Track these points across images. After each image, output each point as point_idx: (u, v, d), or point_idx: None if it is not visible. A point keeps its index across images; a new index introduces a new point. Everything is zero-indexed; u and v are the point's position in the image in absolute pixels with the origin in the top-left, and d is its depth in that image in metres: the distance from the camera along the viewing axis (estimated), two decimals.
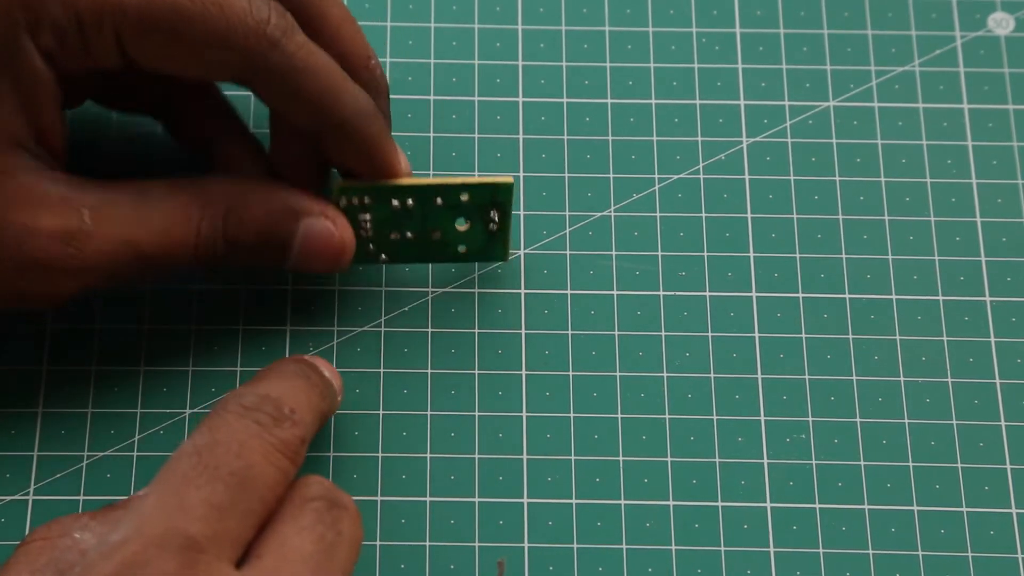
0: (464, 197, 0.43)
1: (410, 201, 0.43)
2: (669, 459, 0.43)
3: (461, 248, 0.44)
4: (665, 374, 0.44)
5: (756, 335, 0.45)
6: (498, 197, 0.43)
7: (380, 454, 0.43)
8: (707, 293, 0.45)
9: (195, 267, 0.41)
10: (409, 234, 0.43)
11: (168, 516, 0.34)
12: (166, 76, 0.40)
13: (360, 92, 0.41)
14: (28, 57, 0.38)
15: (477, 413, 0.44)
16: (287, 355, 0.44)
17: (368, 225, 0.43)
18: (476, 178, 0.43)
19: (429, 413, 0.44)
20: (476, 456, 0.43)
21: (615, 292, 0.45)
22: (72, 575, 0.34)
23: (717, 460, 0.43)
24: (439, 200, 0.43)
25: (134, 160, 0.46)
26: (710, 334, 0.45)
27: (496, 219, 0.43)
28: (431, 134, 0.47)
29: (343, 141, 0.41)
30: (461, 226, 0.43)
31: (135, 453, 0.43)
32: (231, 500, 0.35)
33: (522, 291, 0.45)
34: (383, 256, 0.44)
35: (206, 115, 0.44)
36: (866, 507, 0.43)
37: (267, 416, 0.37)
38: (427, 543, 0.42)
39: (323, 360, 0.41)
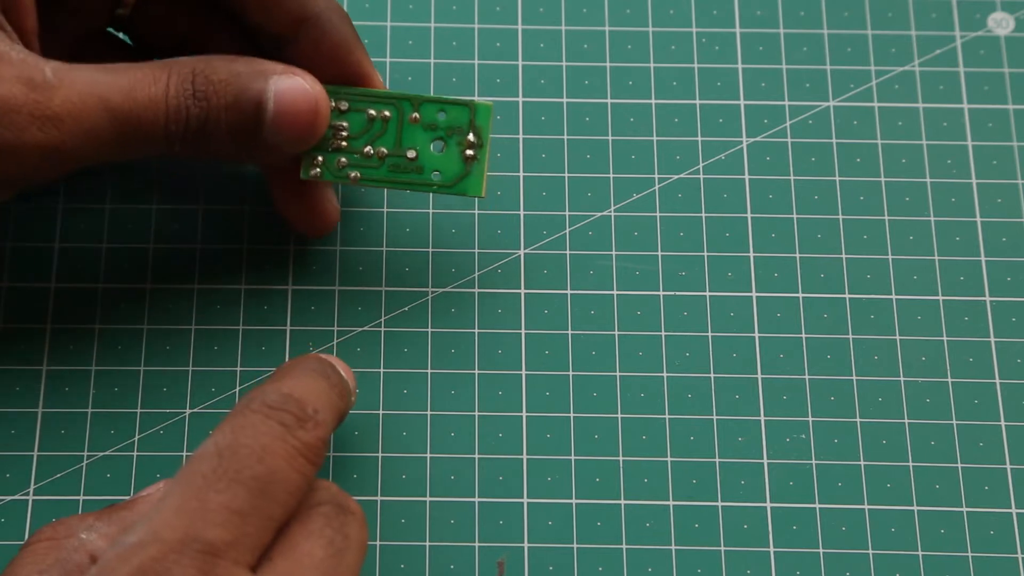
0: (441, 116, 0.43)
1: (387, 112, 0.42)
2: (669, 459, 0.43)
3: (435, 175, 0.43)
4: (665, 374, 0.44)
5: (756, 335, 0.45)
6: (476, 120, 0.43)
7: (380, 454, 0.43)
8: (707, 293, 0.45)
9: (170, 146, 0.39)
10: (384, 149, 0.43)
11: (188, 520, 0.34)
12: None
13: None
14: None
15: (477, 413, 0.44)
16: (287, 355, 0.44)
17: (344, 134, 0.42)
18: (454, 97, 0.43)
19: (429, 413, 0.44)
20: (476, 456, 0.43)
21: (615, 292, 0.45)
22: None
23: (717, 460, 0.43)
24: (416, 115, 0.43)
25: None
26: (710, 334, 0.45)
27: (473, 142, 0.43)
28: None
29: (316, 41, 0.41)
30: (437, 152, 0.43)
31: (135, 453, 0.43)
32: (251, 505, 0.34)
33: (522, 291, 0.45)
34: (354, 175, 0.43)
35: (177, 14, 0.43)
36: (866, 507, 0.43)
37: (291, 417, 0.36)
38: (427, 543, 0.42)
39: (339, 359, 0.41)
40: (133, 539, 0.34)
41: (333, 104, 0.42)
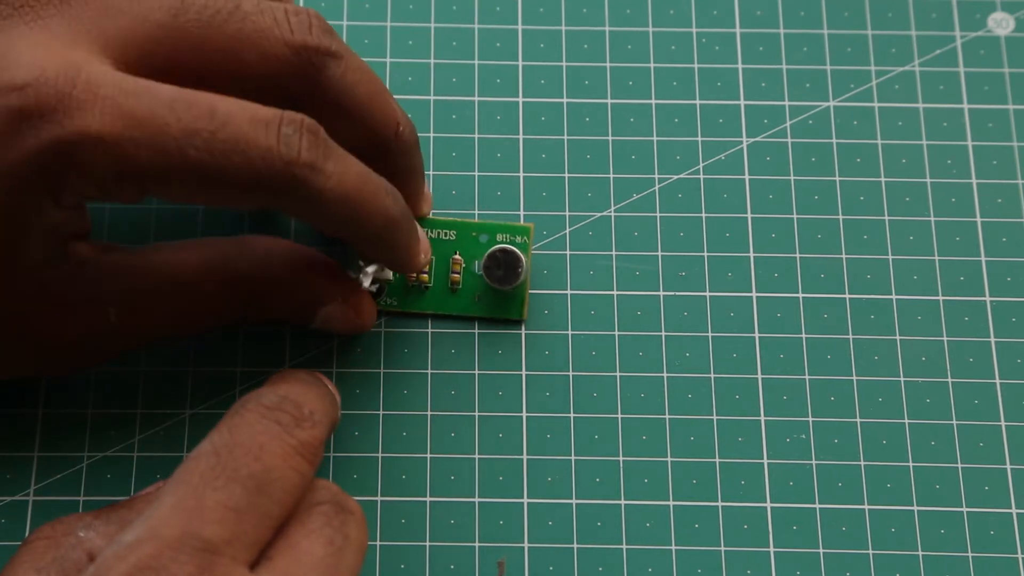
0: (483, 238, 0.44)
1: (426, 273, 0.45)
2: (669, 459, 0.43)
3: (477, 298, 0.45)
4: (665, 374, 0.44)
5: (756, 335, 0.45)
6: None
7: (380, 454, 0.43)
8: (707, 293, 0.45)
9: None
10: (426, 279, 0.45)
11: (185, 518, 0.34)
12: None
13: (392, 200, 0.40)
14: (47, 213, 0.37)
15: (477, 413, 0.44)
16: (287, 356, 0.44)
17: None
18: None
19: (429, 413, 0.44)
20: (476, 456, 0.43)
21: (615, 292, 0.45)
22: (86, 575, 0.34)
23: (717, 460, 0.43)
24: (456, 257, 0.44)
25: None
26: (710, 334, 0.45)
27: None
28: (431, 134, 0.47)
29: (371, 249, 0.41)
30: (478, 270, 0.44)
31: (135, 453, 0.43)
32: (248, 503, 0.34)
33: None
34: (392, 302, 0.45)
35: None
36: (866, 507, 0.43)
37: (288, 416, 0.36)
38: (427, 543, 0.42)
39: (323, 376, 0.41)
40: (130, 537, 0.34)
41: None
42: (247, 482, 0.35)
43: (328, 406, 0.39)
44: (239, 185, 0.37)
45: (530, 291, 0.45)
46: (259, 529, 0.34)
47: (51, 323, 0.39)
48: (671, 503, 0.43)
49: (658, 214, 0.46)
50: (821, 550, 0.42)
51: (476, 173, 0.47)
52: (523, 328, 0.45)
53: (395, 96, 0.45)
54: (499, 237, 0.45)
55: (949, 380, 0.44)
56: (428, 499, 0.43)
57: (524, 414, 0.44)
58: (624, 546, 0.42)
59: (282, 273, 0.42)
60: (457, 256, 0.45)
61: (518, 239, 0.45)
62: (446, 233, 0.45)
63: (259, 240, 0.42)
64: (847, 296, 0.45)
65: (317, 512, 0.36)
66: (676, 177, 0.47)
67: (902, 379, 0.44)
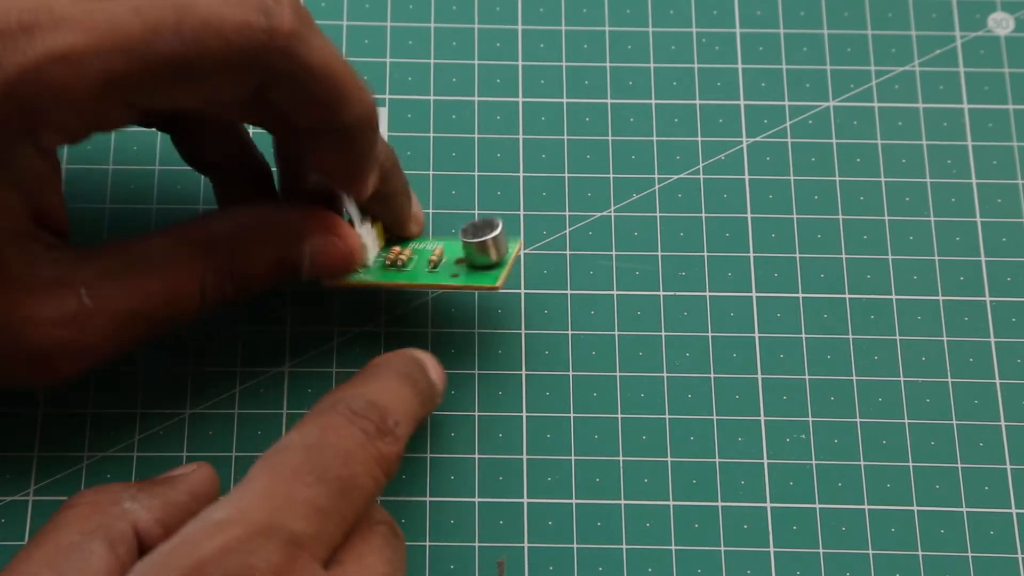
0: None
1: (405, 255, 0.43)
2: (669, 459, 0.43)
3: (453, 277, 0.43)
4: (665, 374, 0.44)
5: (756, 335, 0.45)
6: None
7: None
8: (707, 293, 0.45)
9: (204, 315, 0.40)
10: (404, 257, 0.44)
11: (274, 507, 0.34)
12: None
13: (368, 99, 0.40)
14: (26, 159, 0.37)
15: (477, 413, 0.44)
16: (286, 356, 0.44)
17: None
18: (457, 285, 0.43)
19: (430, 413, 0.44)
20: (476, 456, 0.43)
21: (615, 292, 0.45)
22: (168, 547, 0.34)
23: (717, 460, 0.43)
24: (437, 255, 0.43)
25: (137, 175, 0.46)
26: (710, 334, 0.45)
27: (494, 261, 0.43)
28: (431, 134, 0.47)
29: (342, 149, 0.40)
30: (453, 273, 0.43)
31: (135, 453, 0.43)
32: (333, 505, 0.35)
33: (522, 291, 0.45)
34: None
35: (213, 135, 0.43)
36: (866, 507, 0.43)
37: (373, 426, 0.37)
38: (427, 543, 0.42)
39: (432, 358, 0.41)
40: (220, 516, 0.34)
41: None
42: (333, 484, 0.35)
43: (416, 408, 0.39)
44: (221, 69, 0.36)
45: (526, 291, 0.45)
46: (337, 532, 0.35)
47: (21, 308, 0.38)
48: (671, 503, 0.43)
49: (658, 214, 0.46)
50: (821, 550, 0.42)
51: (476, 173, 0.47)
52: (523, 328, 0.45)
53: (395, 96, 0.46)
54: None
55: (949, 380, 0.44)
56: (428, 499, 0.43)
57: (524, 414, 0.44)
58: (624, 546, 0.42)
59: (259, 219, 0.41)
60: (440, 247, 0.44)
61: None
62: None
63: (232, 206, 0.42)
64: (847, 296, 0.45)
65: (378, 532, 0.37)
66: (676, 177, 0.47)
67: (902, 379, 0.44)
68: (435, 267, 0.43)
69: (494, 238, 0.42)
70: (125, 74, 0.36)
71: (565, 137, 0.47)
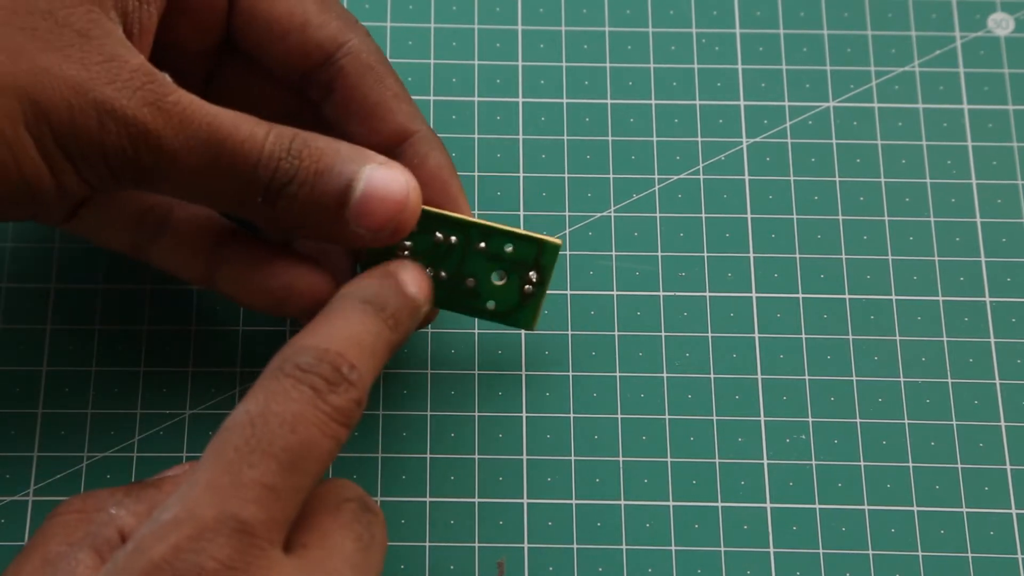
0: (508, 248, 0.41)
1: (453, 238, 0.41)
2: (669, 459, 0.43)
3: (490, 304, 0.42)
4: (665, 374, 0.44)
5: (756, 335, 0.45)
6: (542, 259, 0.41)
7: (380, 454, 0.43)
8: (707, 293, 0.45)
9: (254, 193, 0.38)
10: (444, 273, 0.41)
11: (221, 498, 0.33)
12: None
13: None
14: None
15: (477, 413, 0.44)
16: None
17: (406, 253, 0.41)
18: (525, 231, 0.41)
19: (429, 413, 0.44)
20: (476, 456, 0.43)
21: (615, 292, 0.45)
22: (123, 554, 0.33)
23: (717, 460, 0.43)
24: (482, 244, 0.41)
25: None
26: (710, 334, 0.45)
27: (534, 280, 0.42)
28: None
29: (419, 162, 0.40)
30: (498, 280, 0.42)
31: (135, 453, 0.43)
32: (284, 480, 0.34)
33: None
34: None
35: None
36: (866, 507, 0.43)
37: (322, 381, 0.35)
38: (427, 543, 0.42)
39: (410, 267, 0.39)
40: (167, 516, 0.33)
41: None
42: (282, 456, 0.34)
43: (383, 341, 0.37)
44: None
45: None
46: (291, 506, 0.34)
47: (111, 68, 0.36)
48: (671, 503, 0.43)
49: (658, 214, 0.46)
50: (821, 550, 0.42)
51: (476, 173, 0.47)
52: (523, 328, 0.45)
53: None
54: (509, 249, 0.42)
55: (949, 380, 0.44)
56: (428, 499, 0.43)
57: (524, 414, 0.44)
58: (624, 546, 0.42)
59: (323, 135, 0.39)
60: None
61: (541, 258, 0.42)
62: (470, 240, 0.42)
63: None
64: (847, 296, 0.45)
65: (347, 508, 0.36)
66: (676, 177, 0.47)
67: (902, 379, 0.44)
68: (474, 288, 0.42)
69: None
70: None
71: (565, 137, 0.47)
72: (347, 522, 0.36)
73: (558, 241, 0.41)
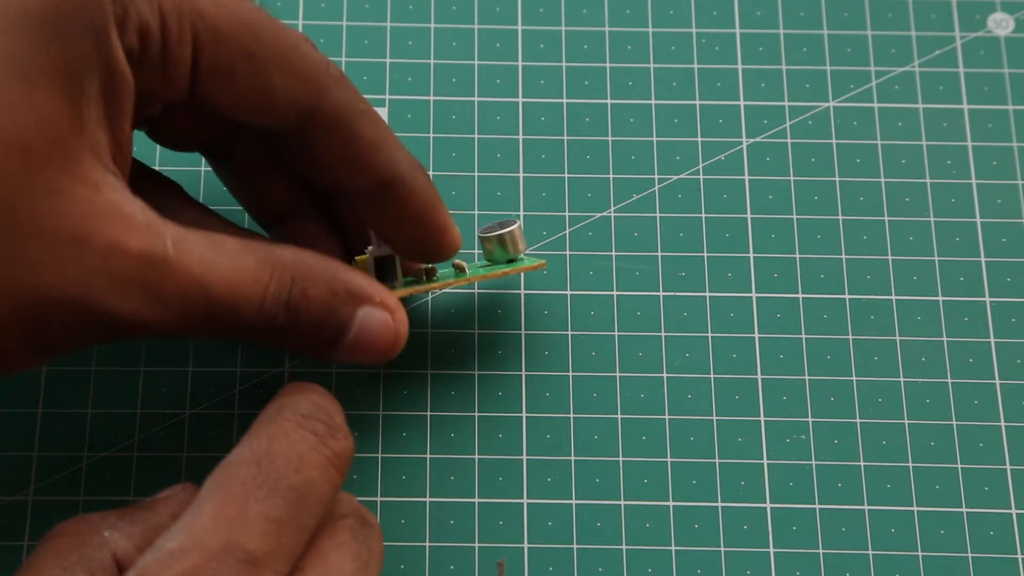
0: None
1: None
2: (669, 459, 0.43)
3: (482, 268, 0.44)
4: (665, 374, 0.44)
5: (756, 335, 0.45)
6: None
7: (380, 454, 0.43)
8: (707, 293, 0.45)
9: (247, 336, 0.39)
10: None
11: (228, 528, 0.33)
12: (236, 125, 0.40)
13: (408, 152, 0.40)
14: (115, 54, 0.36)
15: (477, 413, 0.44)
16: (286, 357, 0.44)
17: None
18: (511, 268, 0.43)
19: (429, 413, 0.44)
20: (476, 456, 0.43)
21: (615, 292, 0.45)
22: None
23: (717, 460, 0.43)
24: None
25: None
26: (710, 334, 0.45)
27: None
28: (431, 134, 0.47)
29: (403, 201, 0.40)
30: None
31: (135, 453, 0.43)
32: (289, 515, 0.34)
33: (522, 291, 0.45)
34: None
35: (284, 187, 0.43)
36: (866, 507, 0.43)
37: (323, 426, 0.36)
38: (427, 543, 0.42)
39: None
40: (173, 545, 0.33)
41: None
42: (287, 494, 0.34)
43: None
44: (283, 59, 0.39)
45: (526, 291, 0.45)
46: (296, 542, 0.34)
47: (108, 230, 0.36)
48: (671, 503, 0.43)
49: (658, 214, 0.46)
50: (821, 550, 0.42)
51: (476, 173, 0.47)
52: (523, 328, 0.45)
53: (395, 96, 0.46)
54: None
55: (949, 380, 0.44)
56: (428, 499, 0.43)
57: (524, 414, 0.44)
58: (624, 546, 0.42)
59: (325, 262, 0.39)
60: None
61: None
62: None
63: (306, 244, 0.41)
64: (847, 296, 0.45)
65: (343, 526, 0.36)
66: (676, 177, 0.47)
67: (902, 379, 0.44)
68: (463, 271, 0.43)
69: (518, 227, 0.43)
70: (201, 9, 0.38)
71: (565, 137, 0.47)
72: (344, 541, 0.36)
73: (542, 263, 0.43)
